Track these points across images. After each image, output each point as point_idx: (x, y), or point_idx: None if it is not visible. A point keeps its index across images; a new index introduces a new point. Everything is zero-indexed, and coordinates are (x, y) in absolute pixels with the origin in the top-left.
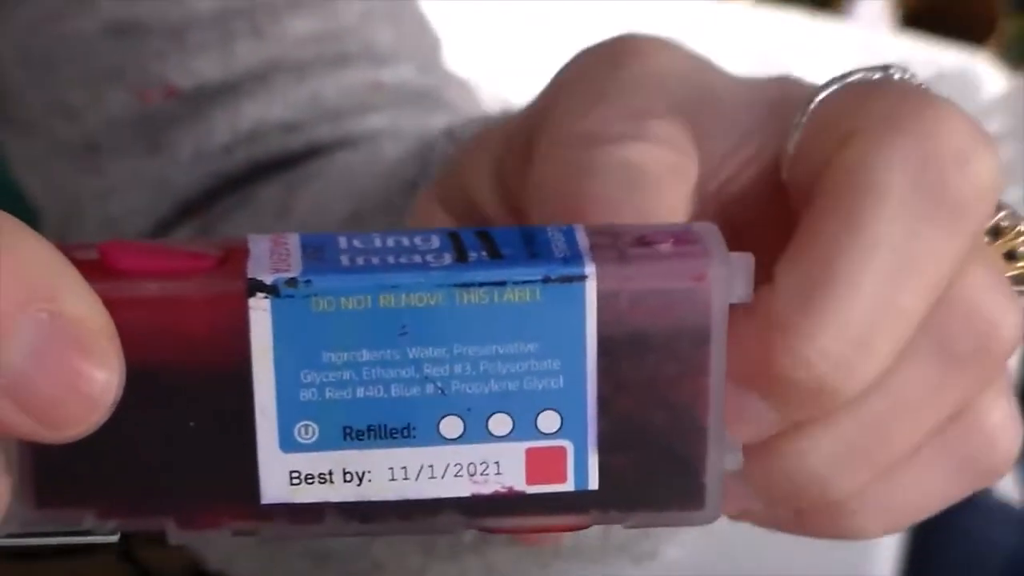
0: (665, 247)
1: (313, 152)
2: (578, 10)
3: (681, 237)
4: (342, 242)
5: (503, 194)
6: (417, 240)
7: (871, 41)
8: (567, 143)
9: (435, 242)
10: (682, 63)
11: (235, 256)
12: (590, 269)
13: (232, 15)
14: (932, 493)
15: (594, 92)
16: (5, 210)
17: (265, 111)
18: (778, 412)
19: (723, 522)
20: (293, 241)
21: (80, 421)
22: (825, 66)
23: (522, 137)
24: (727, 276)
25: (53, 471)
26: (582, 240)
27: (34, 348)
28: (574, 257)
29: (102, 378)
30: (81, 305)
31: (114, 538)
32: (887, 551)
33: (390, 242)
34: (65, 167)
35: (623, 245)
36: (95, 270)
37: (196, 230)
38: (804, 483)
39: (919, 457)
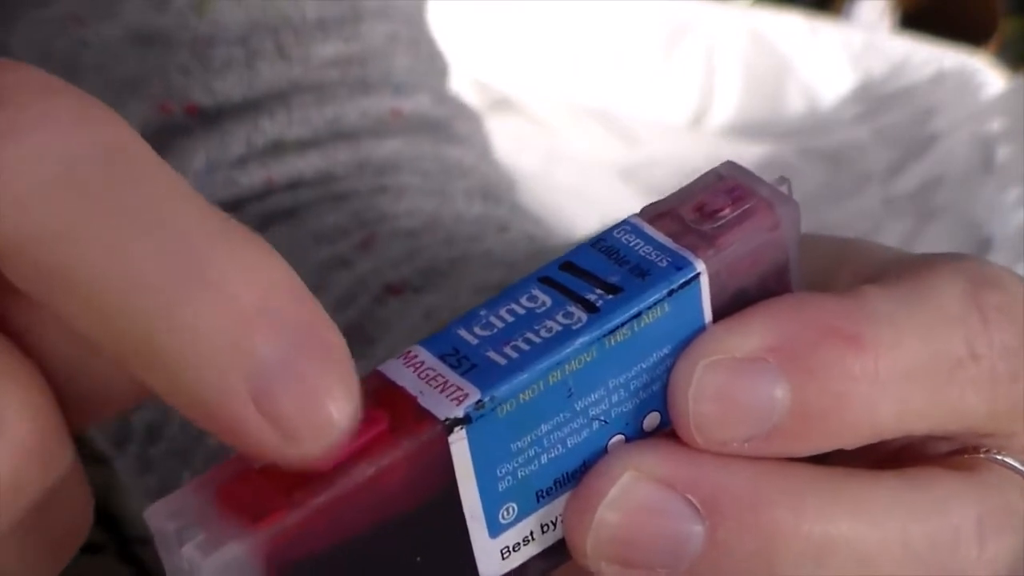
0: (727, 211)
1: (330, 178)
2: (579, 10)
3: (733, 194)
4: (470, 338)
5: None
6: (529, 304)
7: (871, 41)
8: None
9: (546, 300)
10: None
11: (398, 401)
12: (700, 266)
13: (258, 32)
14: None
15: None
16: None
17: (284, 130)
18: None
19: None
20: (429, 359)
21: (317, 437)
22: (825, 66)
23: None
24: (793, 214)
25: None
26: (659, 236)
27: (282, 353)
28: (678, 260)
29: (342, 396)
30: (327, 322)
31: None
32: None
33: (509, 318)
34: None
35: (695, 224)
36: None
37: None
38: None
39: None
